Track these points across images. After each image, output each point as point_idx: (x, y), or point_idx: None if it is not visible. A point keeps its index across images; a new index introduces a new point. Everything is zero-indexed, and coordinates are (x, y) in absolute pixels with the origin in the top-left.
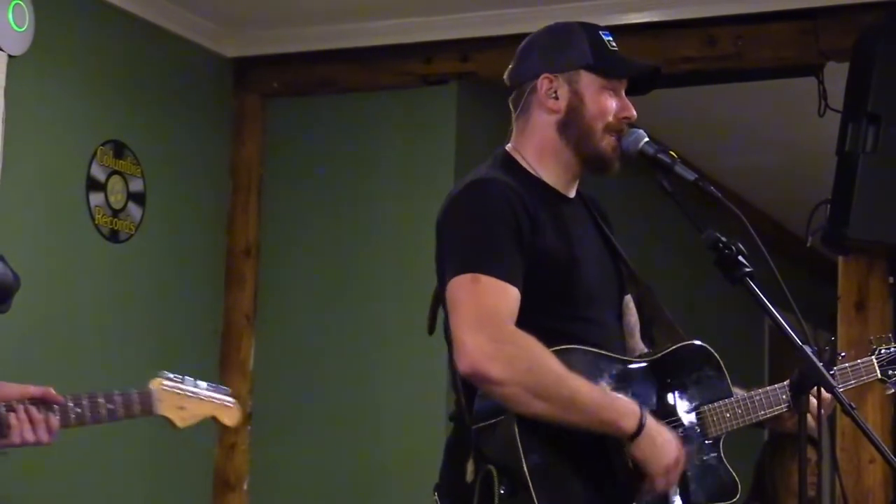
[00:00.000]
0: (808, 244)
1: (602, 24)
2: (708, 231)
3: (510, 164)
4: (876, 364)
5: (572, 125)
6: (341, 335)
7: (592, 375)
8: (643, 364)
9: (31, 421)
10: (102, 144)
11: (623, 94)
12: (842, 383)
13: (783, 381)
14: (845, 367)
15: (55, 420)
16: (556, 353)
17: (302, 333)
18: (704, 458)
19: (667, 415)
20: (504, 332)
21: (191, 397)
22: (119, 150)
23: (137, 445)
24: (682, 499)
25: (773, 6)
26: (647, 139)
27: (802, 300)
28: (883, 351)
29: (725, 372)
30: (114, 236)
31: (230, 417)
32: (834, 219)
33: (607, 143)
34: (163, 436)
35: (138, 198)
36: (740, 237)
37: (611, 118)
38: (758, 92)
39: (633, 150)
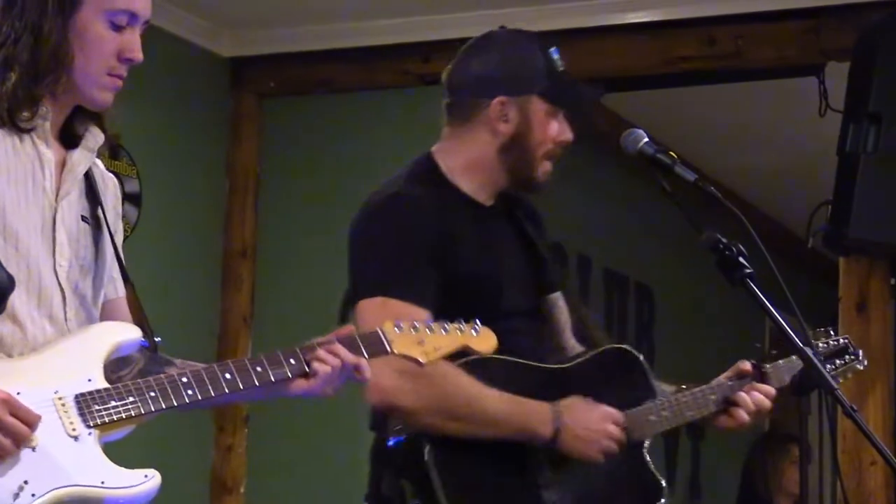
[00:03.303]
0: (809, 245)
1: (602, 23)
2: (708, 232)
3: (430, 170)
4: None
5: (515, 150)
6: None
7: (510, 385)
8: (563, 370)
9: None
10: (105, 140)
11: (563, 116)
12: (777, 382)
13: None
14: (778, 364)
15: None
16: (473, 363)
17: (299, 335)
18: (627, 462)
19: None
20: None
21: (430, 333)
22: (114, 150)
23: (133, 448)
24: (607, 502)
25: (774, 5)
26: (646, 139)
27: (803, 301)
28: (821, 345)
29: (650, 375)
30: None
31: (484, 343)
32: (835, 219)
33: (543, 169)
34: (159, 438)
35: (134, 199)
36: (740, 238)
37: (551, 144)
38: (758, 92)
39: (632, 150)
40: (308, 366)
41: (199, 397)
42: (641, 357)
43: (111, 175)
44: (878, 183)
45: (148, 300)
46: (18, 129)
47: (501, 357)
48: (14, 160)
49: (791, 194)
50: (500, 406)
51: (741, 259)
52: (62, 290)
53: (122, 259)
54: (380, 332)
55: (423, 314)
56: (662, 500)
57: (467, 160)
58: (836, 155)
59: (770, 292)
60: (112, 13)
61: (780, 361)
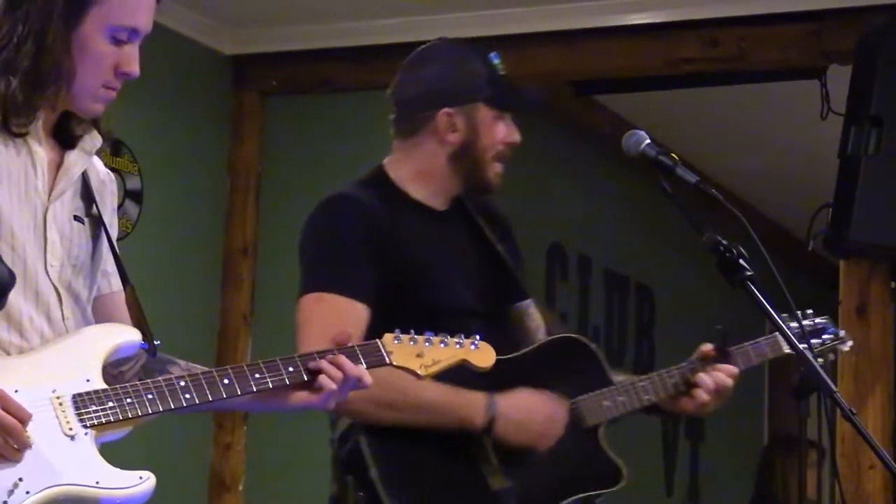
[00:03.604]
0: (810, 248)
1: (604, 24)
2: (709, 233)
3: (380, 179)
4: (782, 341)
5: (465, 157)
6: None
7: (457, 377)
8: (510, 360)
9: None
10: (103, 144)
11: (509, 118)
12: (743, 364)
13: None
14: (745, 346)
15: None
16: None
17: None
18: (582, 447)
19: None
20: None
21: (429, 345)
22: (116, 148)
23: (133, 445)
24: (561, 487)
25: (776, 8)
26: (648, 141)
27: (803, 304)
28: (793, 326)
29: (603, 362)
30: None
31: (483, 358)
32: (836, 222)
33: (494, 171)
34: (159, 436)
35: (135, 196)
36: (741, 240)
37: (500, 147)
38: (760, 94)
39: (634, 152)
40: (306, 374)
41: (197, 401)
42: (595, 346)
43: (108, 172)
44: (879, 186)
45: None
46: (11, 134)
47: None
48: (7, 160)
49: (792, 197)
50: (434, 395)
51: (741, 261)
52: (56, 289)
53: (119, 257)
54: (379, 344)
55: (360, 308)
56: (621, 484)
57: (417, 169)
58: (838, 158)
59: (770, 294)
60: (115, 28)
61: (748, 344)
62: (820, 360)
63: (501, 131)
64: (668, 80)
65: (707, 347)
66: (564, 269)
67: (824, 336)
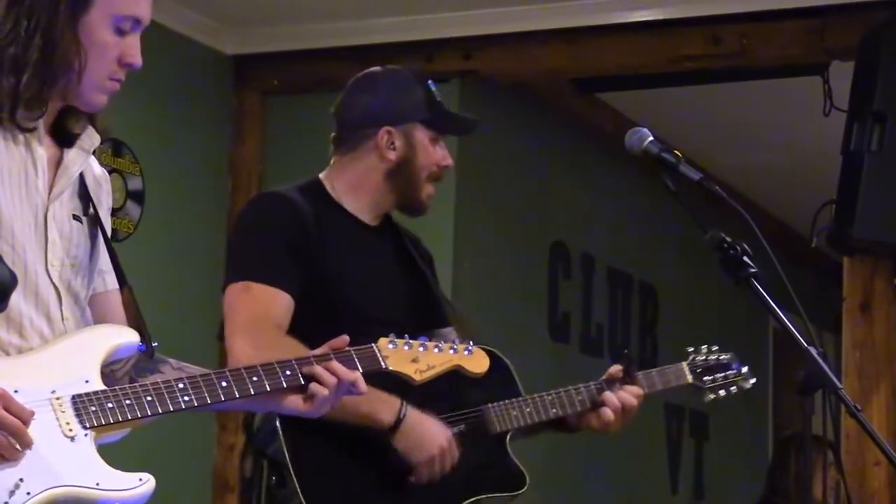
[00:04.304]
0: (813, 244)
1: (607, 22)
2: (712, 231)
3: (314, 188)
4: (687, 369)
5: (401, 175)
6: None
7: (380, 377)
8: None
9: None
10: (101, 143)
11: (443, 142)
12: (648, 387)
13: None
14: (651, 372)
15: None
16: None
17: None
18: (488, 452)
19: (451, 411)
20: (267, 336)
21: (423, 351)
22: (117, 148)
23: (136, 446)
24: (463, 490)
25: (779, 4)
26: (651, 138)
27: (807, 301)
28: (698, 359)
29: (515, 376)
30: (112, 235)
31: (477, 364)
32: (839, 219)
33: (427, 192)
34: (162, 437)
35: (137, 196)
36: (744, 237)
37: (434, 168)
38: (762, 91)
39: (637, 149)
40: (303, 378)
41: (195, 404)
42: (508, 361)
43: (103, 170)
44: (882, 182)
45: (150, 298)
46: (20, 129)
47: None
48: (7, 158)
49: (795, 193)
50: None
51: (745, 258)
52: (56, 289)
53: (116, 256)
54: (375, 348)
55: (285, 298)
56: (522, 490)
57: (352, 182)
58: (841, 154)
59: (774, 292)
60: (119, 18)
61: (654, 370)
62: (719, 393)
63: (437, 153)
64: (671, 77)
65: (615, 369)
66: (567, 268)
67: (728, 372)
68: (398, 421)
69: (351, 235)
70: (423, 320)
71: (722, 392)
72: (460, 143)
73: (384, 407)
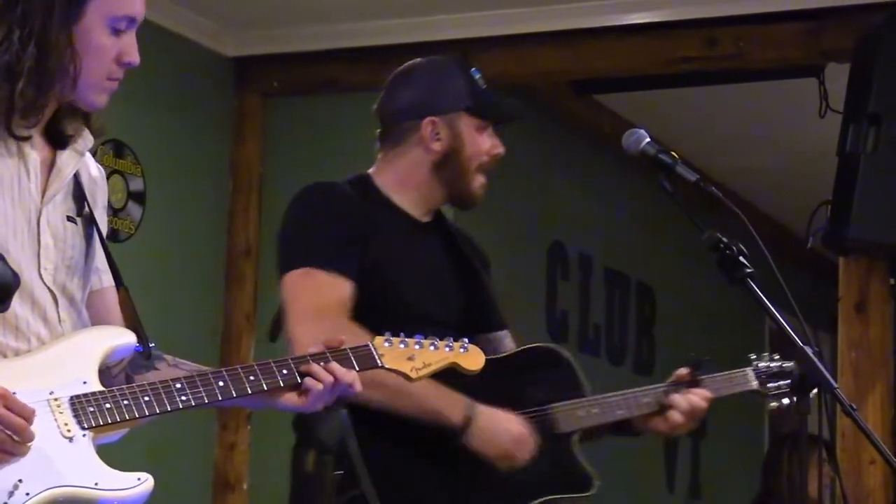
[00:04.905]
0: (809, 245)
1: (603, 24)
2: (709, 232)
3: (363, 182)
4: (752, 375)
5: (449, 166)
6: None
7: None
8: (492, 362)
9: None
10: (102, 144)
11: (492, 130)
12: (713, 391)
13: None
14: (716, 376)
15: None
16: None
17: None
18: (554, 453)
19: (515, 410)
20: (336, 324)
21: (419, 348)
22: (119, 149)
23: (136, 445)
24: (531, 490)
25: (775, 7)
26: (648, 139)
27: (803, 301)
28: (761, 365)
29: (578, 373)
30: (113, 236)
31: (472, 361)
32: (835, 219)
33: (478, 182)
34: (163, 436)
35: (138, 197)
36: (741, 238)
37: (484, 158)
38: (759, 93)
39: (634, 151)
40: (300, 377)
41: (193, 403)
42: (571, 357)
43: (100, 169)
44: (877, 183)
45: (151, 298)
46: (14, 137)
47: None
48: None
49: (791, 194)
50: (422, 384)
51: (742, 258)
52: (51, 292)
53: (111, 256)
54: (371, 347)
55: (347, 286)
56: (591, 491)
57: (400, 177)
58: (836, 155)
59: (770, 292)
60: (115, 19)
61: (719, 375)
62: (783, 402)
63: (486, 142)
64: (668, 79)
65: (682, 372)
66: (565, 268)
67: (791, 381)
68: (467, 420)
69: (402, 232)
70: (475, 323)
71: (785, 400)
72: None
73: (452, 407)
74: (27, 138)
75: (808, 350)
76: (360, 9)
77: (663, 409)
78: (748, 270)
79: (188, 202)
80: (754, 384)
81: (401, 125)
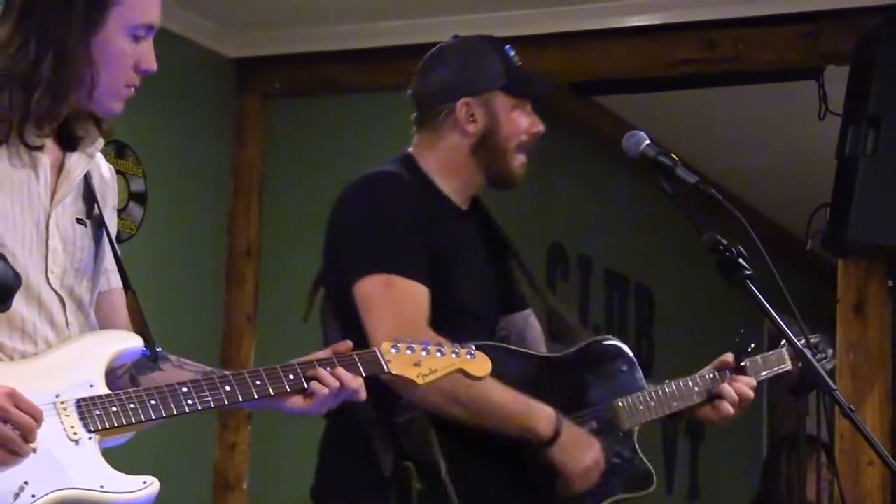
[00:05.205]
0: (808, 247)
1: (603, 27)
2: (708, 233)
3: (411, 164)
4: (786, 355)
5: (487, 147)
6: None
7: (507, 372)
8: (555, 360)
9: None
10: (104, 144)
11: (530, 108)
12: (753, 373)
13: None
14: (756, 359)
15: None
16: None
17: (302, 334)
18: (619, 450)
19: (580, 408)
20: (422, 337)
21: (426, 354)
22: (120, 150)
23: (136, 446)
24: (601, 491)
25: (774, 9)
26: (648, 141)
27: (802, 303)
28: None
29: (638, 367)
30: (115, 236)
31: (479, 368)
32: (834, 222)
33: (518, 162)
34: (163, 436)
35: (139, 198)
36: (740, 239)
37: (523, 136)
38: (758, 95)
39: (634, 153)
40: (306, 382)
41: (199, 407)
42: (628, 349)
43: (111, 168)
44: (876, 186)
45: (152, 299)
46: (27, 146)
47: (496, 343)
48: (8, 167)
49: (790, 197)
50: (505, 398)
51: (741, 260)
52: (59, 295)
53: (120, 258)
54: (378, 353)
55: (424, 292)
56: (651, 488)
57: (442, 163)
58: (836, 158)
59: (769, 294)
60: (135, 27)
61: (758, 356)
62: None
63: (523, 121)
64: (667, 81)
65: (728, 357)
66: (565, 269)
67: (818, 355)
68: (556, 432)
69: (451, 223)
70: (503, 307)
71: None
72: None
73: (541, 419)
74: (39, 147)
75: (807, 353)
76: (361, 10)
77: (711, 397)
78: (747, 272)
79: (189, 203)
80: (789, 363)
81: (435, 108)
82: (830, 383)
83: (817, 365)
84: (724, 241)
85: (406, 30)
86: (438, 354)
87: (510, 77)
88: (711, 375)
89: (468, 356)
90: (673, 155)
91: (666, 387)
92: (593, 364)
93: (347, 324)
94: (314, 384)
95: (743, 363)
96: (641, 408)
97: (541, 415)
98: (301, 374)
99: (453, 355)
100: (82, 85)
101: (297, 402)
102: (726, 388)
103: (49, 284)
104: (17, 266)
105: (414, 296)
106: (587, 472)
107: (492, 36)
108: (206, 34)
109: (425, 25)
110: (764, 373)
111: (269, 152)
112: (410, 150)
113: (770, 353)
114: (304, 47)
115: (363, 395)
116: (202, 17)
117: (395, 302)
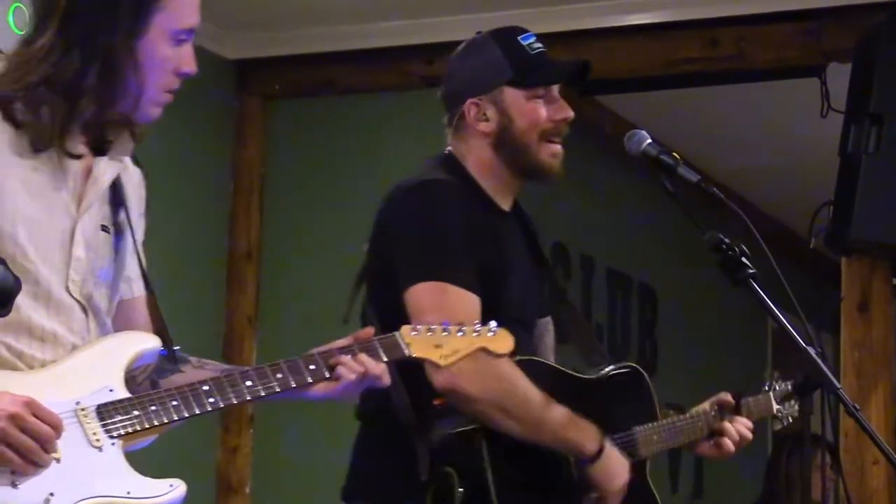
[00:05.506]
0: (811, 245)
1: (605, 25)
2: (711, 232)
3: (455, 165)
4: (773, 400)
5: (506, 144)
6: (343, 337)
7: (547, 388)
8: (587, 382)
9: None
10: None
11: (555, 94)
12: (749, 414)
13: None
14: (748, 401)
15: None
16: (518, 363)
17: (304, 336)
18: (635, 479)
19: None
20: None
21: (446, 335)
22: None
23: (139, 449)
24: None
25: (776, 7)
26: (649, 140)
27: (805, 301)
28: (778, 388)
29: (654, 395)
30: None
31: (501, 345)
32: (837, 220)
33: (546, 151)
34: (164, 439)
35: None
36: (743, 238)
37: (545, 125)
38: (760, 93)
39: (636, 152)
40: (328, 371)
41: (221, 405)
42: (647, 377)
43: (137, 170)
44: (879, 183)
45: None
46: (67, 154)
47: (540, 359)
48: (36, 174)
49: (793, 195)
50: (554, 414)
51: (744, 259)
52: (79, 303)
53: (143, 263)
54: (398, 337)
55: (476, 301)
56: None
57: (478, 165)
58: (838, 155)
59: (772, 292)
60: (178, 31)
61: (751, 398)
62: (785, 423)
63: (540, 110)
64: (669, 79)
65: (727, 397)
66: (567, 269)
67: (793, 400)
68: (601, 450)
69: (494, 225)
70: (540, 309)
71: (788, 420)
72: None
73: (588, 435)
74: (80, 156)
75: (811, 350)
76: (361, 11)
77: (711, 434)
78: (750, 271)
79: (190, 204)
80: (775, 409)
81: (452, 112)
82: (835, 382)
83: (822, 364)
84: (726, 240)
85: (407, 30)
86: (459, 334)
87: (517, 68)
88: (713, 413)
89: (489, 333)
90: (675, 153)
91: (677, 421)
92: (620, 389)
93: (392, 327)
94: (340, 369)
95: (742, 402)
96: (656, 437)
97: (589, 433)
98: (322, 364)
99: (474, 334)
100: (128, 92)
101: (320, 387)
102: (729, 427)
103: (69, 292)
104: (38, 274)
105: (466, 305)
106: (620, 493)
107: (507, 27)
108: (206, 36)
109: (425, 25)
110: (755, 416)
111: (269, 153)
112: (450, 149)
113: (759, 396)
114: (305, 48)
115: (387, 379)
116: (203, 18)
117: (447, 309)
